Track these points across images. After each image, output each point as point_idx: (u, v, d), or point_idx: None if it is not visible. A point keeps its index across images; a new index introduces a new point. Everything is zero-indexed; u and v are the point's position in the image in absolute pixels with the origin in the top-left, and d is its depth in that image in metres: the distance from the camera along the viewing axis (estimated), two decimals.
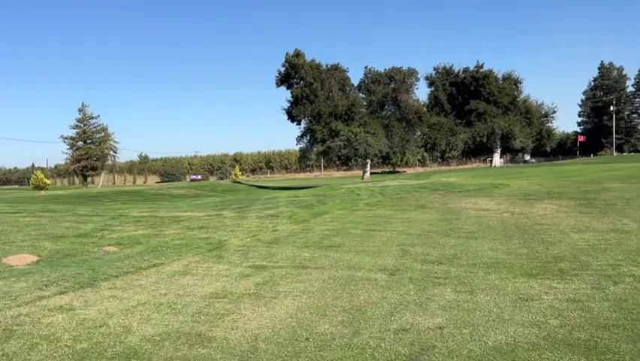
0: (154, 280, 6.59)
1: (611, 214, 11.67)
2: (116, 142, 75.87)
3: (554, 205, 14.01)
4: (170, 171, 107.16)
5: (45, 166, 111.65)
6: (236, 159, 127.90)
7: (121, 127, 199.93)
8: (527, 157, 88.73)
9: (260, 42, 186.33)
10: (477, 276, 6.50)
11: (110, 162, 76.64)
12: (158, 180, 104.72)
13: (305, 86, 45.80)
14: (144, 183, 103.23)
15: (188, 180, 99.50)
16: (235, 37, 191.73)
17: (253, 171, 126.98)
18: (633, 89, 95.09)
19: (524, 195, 16.99)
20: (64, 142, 70.49)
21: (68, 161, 70.54)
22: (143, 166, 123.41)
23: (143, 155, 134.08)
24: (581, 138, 78.50)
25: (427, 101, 57.33)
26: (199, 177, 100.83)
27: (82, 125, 69.78)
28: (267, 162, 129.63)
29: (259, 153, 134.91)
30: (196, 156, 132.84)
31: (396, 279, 6.43)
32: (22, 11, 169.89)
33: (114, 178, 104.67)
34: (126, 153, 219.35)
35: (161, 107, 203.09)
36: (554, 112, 60.25)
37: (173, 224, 12.30)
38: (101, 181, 78.53)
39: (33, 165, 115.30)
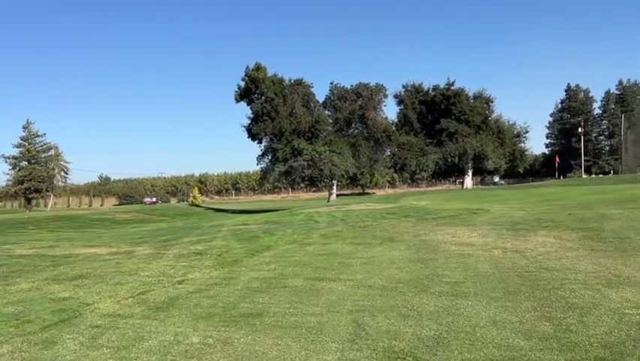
0: None
1: (634, 253, 8.86)
2: (67, 162, 70.81)
3: (553, 238, 11.17)
4: (129, 193, 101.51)
5: None
6: (202, 180, 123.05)
7: (82, 147, 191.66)
8: (496, 179, 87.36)
9: (226, 58, 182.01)
10: None
11: (61, 183, 71.33)
12: (116, 203, 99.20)
13: (266, 101, 42.54)
14: (101, 205, 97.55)
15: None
16: (199, 52, 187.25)
17: (219, 192, 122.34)
18: (600, 112, 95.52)
19: (511, 223, 14.14)
20: (6, 162, 65.04)
21: (10, 182, 64.93)
22: (102, 188, 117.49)
23: (104, 176, 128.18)
24: (558, 160, 77.17)
25: (396, 120, 54.97)
26: (154, 199, 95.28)
27: (26, 144, 64.31)
28: (234, 183, 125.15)
29: (225, 174, 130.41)
30: (159, 177, 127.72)
31: None
32: None
33: (69, 200, 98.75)
34: (87, 174, 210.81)
35: (126, 128, 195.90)
36: (527, 132, 58.71)
37: (45, 271, 8.89)
38: (50, 204, 72.99)
39: None
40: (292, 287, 7.35)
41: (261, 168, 47.37)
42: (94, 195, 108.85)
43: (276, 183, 60.74)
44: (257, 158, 46.57)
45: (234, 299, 6.68)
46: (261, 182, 50.84)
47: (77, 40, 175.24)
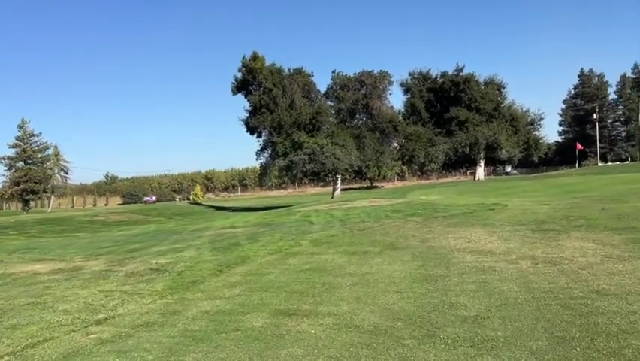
0: None
1: None
2: (66, 162, 69.19)
3: (592, 243, 8.98)
4: (132, 191, 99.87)
5: None
6: (208, 177, 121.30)
7: (91, 146, 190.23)
8: (508, 169, 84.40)
9: (229, 51, 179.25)
10: None
11: (61, 183, 69.73)
12: (120, 202, 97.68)
13: (264, 92, 40.28)
14: (105, 205, 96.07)
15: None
16: (203, 47, 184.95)
17: (226, 188, 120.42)
18: (615, 97, 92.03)
19: (536, 222, 11.91)
20: (2, 163, 63.63)
21: (6, 184, 63.49)
22: (108, 187, 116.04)
23: (110, 175, 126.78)
24: (579, 146, 73.38)
25: (402, 110, 52.40)
26: (153, 198, 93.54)
27: (21, 144, 62.75)
28: (241, 180, 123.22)
29: (232, 169, 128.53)
30: (166, 175, 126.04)
31: None
32: None
33: (73, 201, 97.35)
34: (95, 173, 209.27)
35: (133, 127, 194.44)
36: (541, 119, 55.59)
37: None
38: (51, 205, 71.37)
39: None
40: (247, 330, 5.27)
41: (261, 163, 45.16)
42: (99, 195, 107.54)
43: (276, 180, 57.54)
44: (256, 153, 44.37)
45: (154, 358, 4.60)
46: (261, 178, 48.45)
47: (77, 41, 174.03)
